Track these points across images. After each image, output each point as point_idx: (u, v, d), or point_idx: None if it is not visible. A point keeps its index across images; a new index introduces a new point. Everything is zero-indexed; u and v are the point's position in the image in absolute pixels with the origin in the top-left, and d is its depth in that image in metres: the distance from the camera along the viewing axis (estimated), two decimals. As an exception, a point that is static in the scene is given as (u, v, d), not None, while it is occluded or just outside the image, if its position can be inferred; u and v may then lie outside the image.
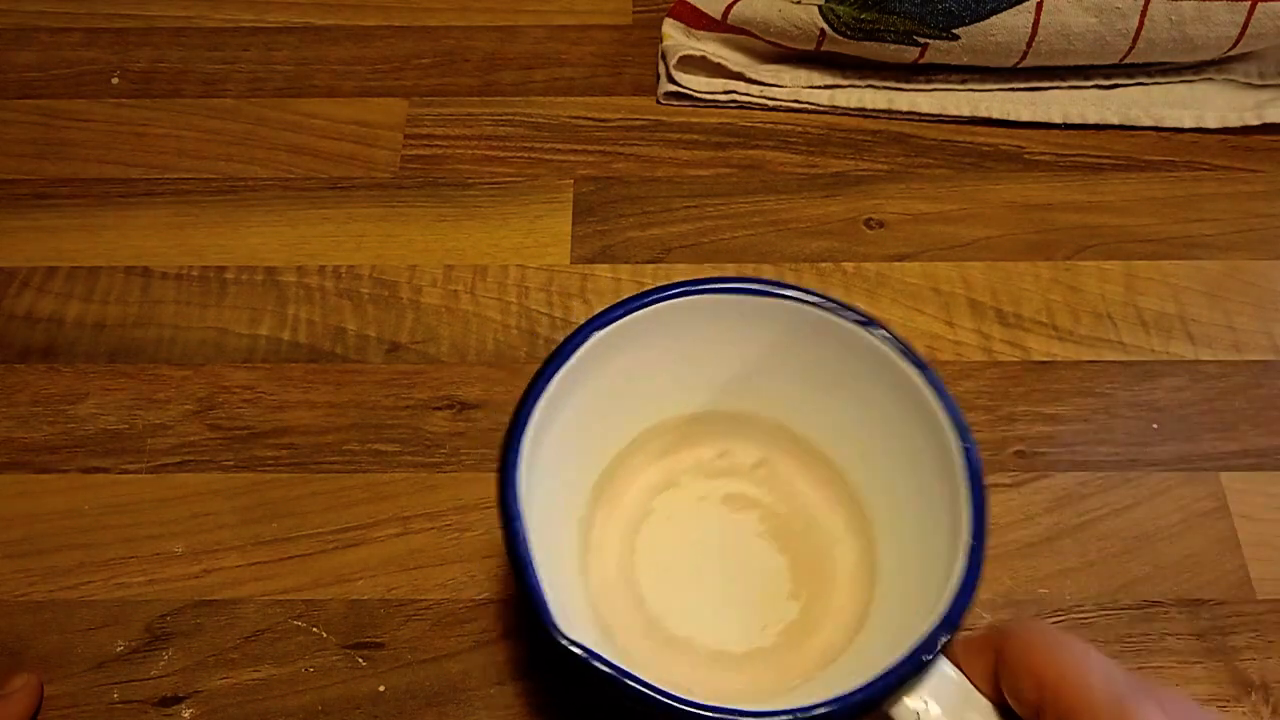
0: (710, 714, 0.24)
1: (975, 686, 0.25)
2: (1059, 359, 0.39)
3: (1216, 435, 0.37)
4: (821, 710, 0.24)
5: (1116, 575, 0.34)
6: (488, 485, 0.36)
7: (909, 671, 0.25)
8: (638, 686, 0.24)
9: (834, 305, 0.30)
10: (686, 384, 0.33)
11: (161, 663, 0.33)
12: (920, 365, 0.29)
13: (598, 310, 0.30)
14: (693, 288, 0.31)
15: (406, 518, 0.35)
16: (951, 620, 0.25)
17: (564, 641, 0.25)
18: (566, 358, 0.29)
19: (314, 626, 0.33)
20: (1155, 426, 0.37)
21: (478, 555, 0.35)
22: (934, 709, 0.25)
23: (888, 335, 0.30)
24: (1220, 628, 0.33)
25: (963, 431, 0.28)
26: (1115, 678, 0.22)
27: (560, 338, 0.39)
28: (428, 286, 0.41)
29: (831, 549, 0.32)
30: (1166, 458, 0.36)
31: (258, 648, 0.33)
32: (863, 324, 0.30)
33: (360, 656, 0.33)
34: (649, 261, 0.41)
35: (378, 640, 0.33)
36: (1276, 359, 0.39)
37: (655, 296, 0.30)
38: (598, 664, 0.24)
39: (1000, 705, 0.24)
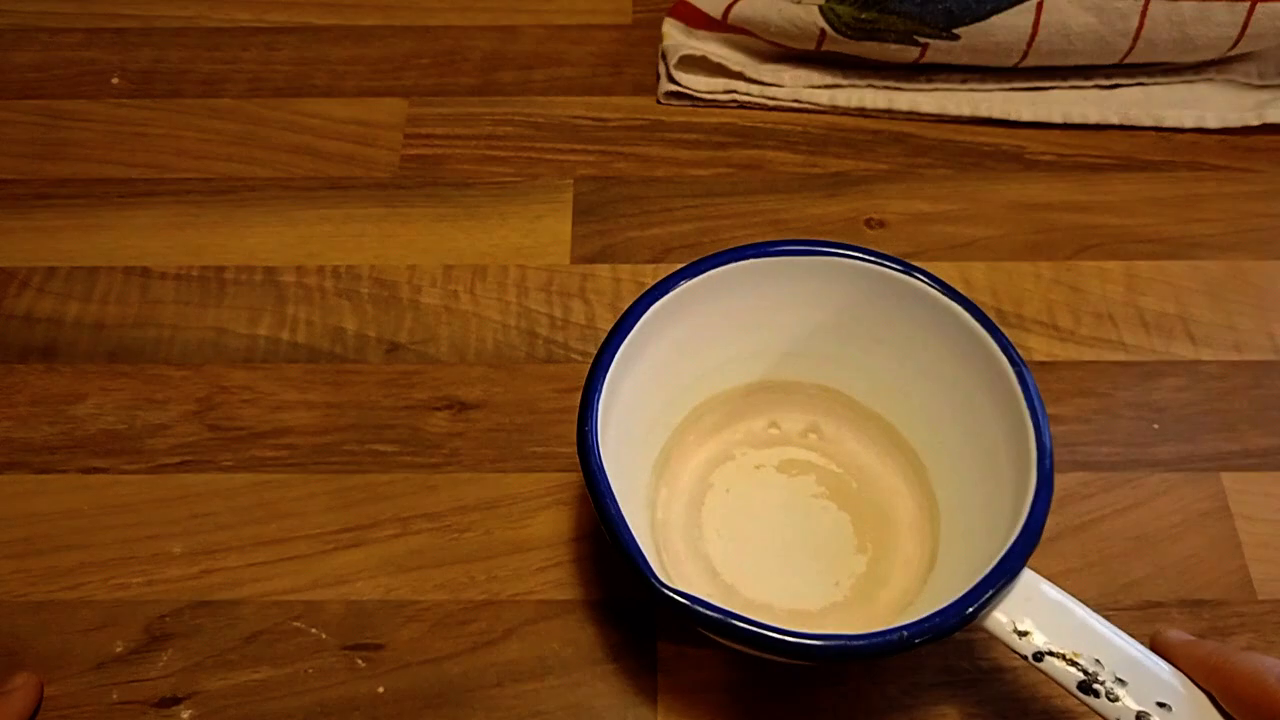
0: (823, 642, 0.25)
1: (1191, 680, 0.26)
2: (1060, 359, 0.39)
3: (1217, 435, 0.37)
4: (930, 624, 0.25)
5: (1117, 576, 0.34)
6: (487, 485, 0.36)
7: (1003, 581, 0.26)
8: (746, 625, 0.25)
9: (865, 257, 0.31)
10: (737, 355, 0.34)
11: (161, 663, 0.33)
12: (962, 299, 0.30)
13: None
14: (743, 254, 0.32)
15: (406, 518, 0.35)
16: (1032, 529, 0.26)
17: (668, 592, 0.26)
18: (626, 332, 0.30)
19: (313, 628, 0.33)
20: (1156, 427, 0.37)
21: (477, 556, 0.35)
22: (1028, 623, 0.26)
23: (928, 278, 0.31)
24: (1221, 628, 0.33)
25: (1015, 357, 0.29)
26: None
27: (560, 338, 0.39)
28: (427, 286, 0.40)
29: (891, 502, 0.34)
30: (1167, 458, 0.36)
31: (257, 649, 0.33)
32: (904, 271, 0.31)
33: (359, 658, 0.33)
34: (649, 261, 0.41)
35: (377, 641, 0.33)
36: (1277, 359, 0.38)
37: (710, 264, 0.31)
38: (703, 609, 0.26)
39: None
